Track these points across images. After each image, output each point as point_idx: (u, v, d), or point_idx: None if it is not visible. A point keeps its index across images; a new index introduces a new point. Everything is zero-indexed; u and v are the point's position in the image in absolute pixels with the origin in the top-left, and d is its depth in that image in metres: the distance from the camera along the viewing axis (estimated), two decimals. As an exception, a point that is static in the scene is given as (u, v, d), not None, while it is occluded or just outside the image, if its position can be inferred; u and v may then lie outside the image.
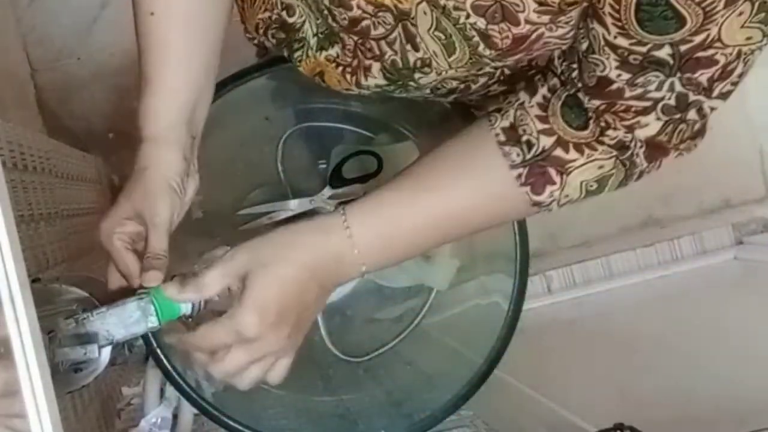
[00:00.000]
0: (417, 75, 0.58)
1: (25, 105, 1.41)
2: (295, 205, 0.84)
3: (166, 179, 0.57)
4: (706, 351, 0.97)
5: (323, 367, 0.88)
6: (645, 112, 0.51)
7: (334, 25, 0.59)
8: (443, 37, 0.53)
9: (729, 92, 0.50)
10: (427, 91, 0.62)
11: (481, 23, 0.50)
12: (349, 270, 0.55)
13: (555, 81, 0.56)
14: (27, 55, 1.44)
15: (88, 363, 0.52)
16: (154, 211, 0.56)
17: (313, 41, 0.64)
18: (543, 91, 0.56)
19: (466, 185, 0.56)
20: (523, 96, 0.57)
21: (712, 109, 0.51)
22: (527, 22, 0.48)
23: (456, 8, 0.50)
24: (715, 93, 0.49)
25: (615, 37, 0.47)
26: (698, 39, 0.45)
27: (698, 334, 1.04)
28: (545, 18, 0.48)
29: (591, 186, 0.55)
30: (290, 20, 0.65)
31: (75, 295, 0.57)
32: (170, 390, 0.89)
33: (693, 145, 0.54)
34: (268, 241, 0.55)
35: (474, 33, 0.51)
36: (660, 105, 0.50)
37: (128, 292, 0.55)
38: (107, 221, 0.56)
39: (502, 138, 0.55)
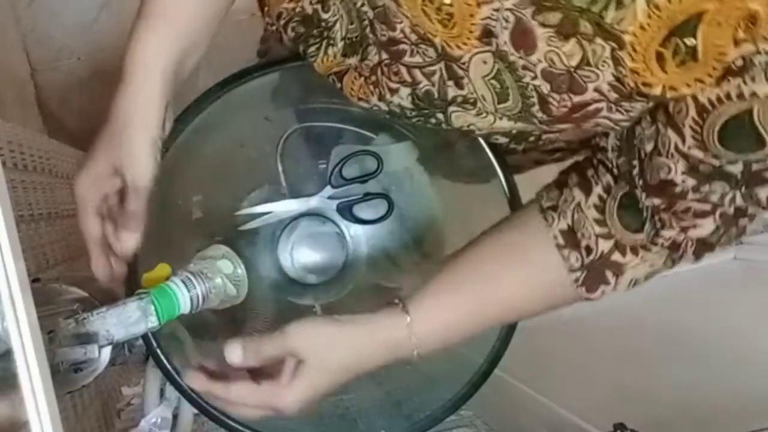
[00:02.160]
0: (452, 109, 0.57)
1: (25, 105, 1.41)
2: (295, 205, 0.84)
3: (152, 139, 0.54)
4: (706, 351, 0.97)
5: (323, 367, 0.88)
6: (704, 215, 0.51)
7: (371, 36, 0.58)
8: (498, 86, 0.52)
9: None
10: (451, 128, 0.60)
11: (544, 88, 0.49)
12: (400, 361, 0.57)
13: (608, 178, 0.56)
14: (27, 55, 1.44)
15: (88, 363, 0.52)
16: (140, 174, 0.54)
17: (340, 44, 0.63)
18: (598, 190, 0.56)
19: (523, 283, 0.58)
20: (578, 195, 0.57)
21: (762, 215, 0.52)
22: (596, 90, 0.47)
23: (525, 67, 0.49)
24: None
25: (689, 148, 0.47)
26: None
27: (698, 334, 1.04)
28: (613, 95, 0.47)
29: (639, 281, 0.57)
30: (324, 16, 0.63)
31: (75, 295, 0.57)
32: (170, 390, 0.89)
33: (735, 242, 0.56)
34: (334, 344, 0.55)
35: (534, 94, 0.50)
36: (719, 211, 0.51)
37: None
38: (84, 178, 0.54)
39: (561, 241, 0.56)
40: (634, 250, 0.55)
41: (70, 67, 1.46)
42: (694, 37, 0.41)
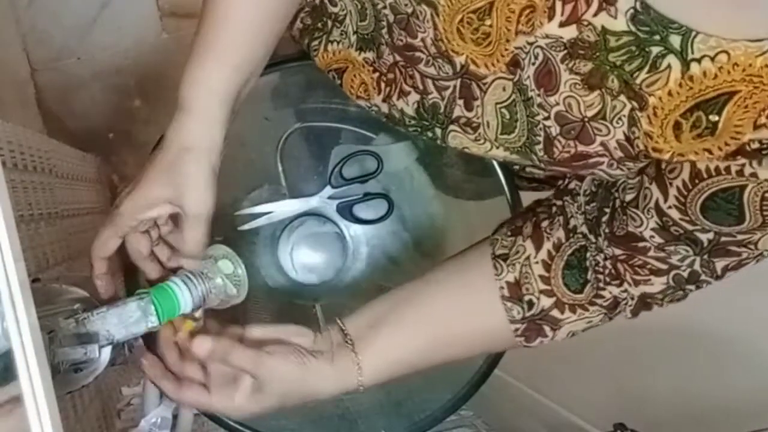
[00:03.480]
0: (451, 127, 0.57)
1: (25, 105, 1.41)
2: (295, 205, 0.84)
3: (212, 166, 0.53)
4: (706, 351, 0.97)
5: (323, 367, 0.88)
6: (659, 273, 0.52)
7: (386, 37, 0.57)
8: (508, 115, 0.52)
9: (729, 276, 0.51)
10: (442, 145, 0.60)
11: (554, 130, 0.49)
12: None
13: (561, 234, 0.58)
14: (27, 55, 1.44)
15: (88, 363, 0.52)
16: (200, 204, 0.53)
17: (353, 38, 0.62)
18: (548, 245, 0.58)
19: (469, 328, 0.61)
20: (529, 248, 0.59)
21: (708, 284, 0.53)
22: (602, 145, 0.47)
23: (540, 106, 0.48)
24: (722, 278, 0.51)
25: (669, 207, 0.47)
26: (741, 237, 0.46)
27: (698, 334, 1.04)
28: (618, 153, 0.47)
29: (577, 333, 0.59)
30: (331, 9, 0.63)
31: (75, 295, 0.57)
32: (170, 390, 0.89)
33: (672, 303, 0.56)
34: (296, 389, 0.57)
35: (542, 133, 0.50)
36: (674, 272, 0.52)
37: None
38: (133, 200, 0.54)
39: (506, 293, 0.59)
40: (573, 309, 0.57)
41: (70, 67, 1.46)
42: (719, 114, 0.41)
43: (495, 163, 0.72)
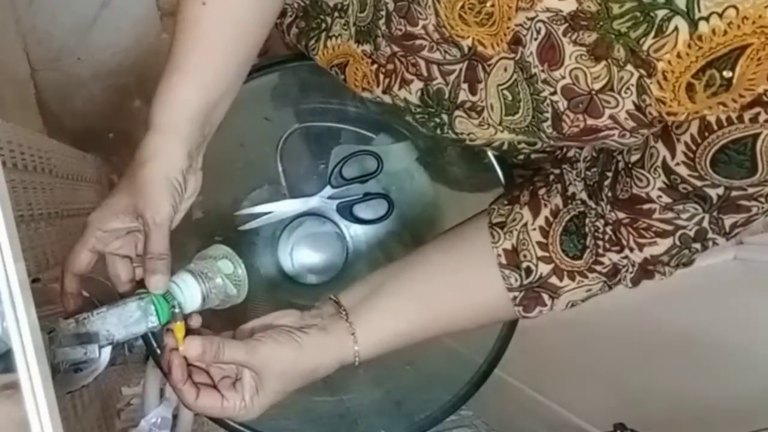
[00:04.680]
0: (457, 113, 0.56)
1: (25, 105, 1.41)
2: (295, 205, 0.84)
3: (166, 175, 0.54)
4: (705, 351, 0.97)
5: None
6: (664, 234, 0.52)
7: (383, 29, 0.57)
8: (510, 97, 0.52)
9: (737, 234, 0.51)
10: (451, 135, 0.59)
11: (561, 105, 0.48)
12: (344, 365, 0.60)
13: (558, 200, 0.57)
14: (27, 55, 1.44)
15: (88, 363, 0.52)
16: (155, 209, 0.54)
17: (353, 30, 0.62)
18: (546, 212, 0.58)
19: (465, 299, 0.61)
20: (527, 215, 0.58)
21: (715, 244, 0.52)
22: (611, 117, 0.46)
23: (545, 81, 0.48)
24: (730, 236, 0.51)
25: (677, 164, 0.46)
26: (751, 190, 0.45)
27: (698, 334, 1.04)
28: (630, 123, 0.46)
29: (576, 303, 0.59)
30: (335, 0, 0.63)
31: (75, 295, 0.57)
32: (170, 390, 0.89)
33: (677, 270, 0.56)
34: (295, 369, 0.56)
35: (549, 109, 0.49)
36: (680, 233, 0.51)
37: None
38: (100, 210, 0.54)
39: (504, 260, 0.59)
40: (571, 276, 0.57)
41: (70, 67, 1.46)
42: (733, 69, 0.40)
43: (492, 159, 0.72)
